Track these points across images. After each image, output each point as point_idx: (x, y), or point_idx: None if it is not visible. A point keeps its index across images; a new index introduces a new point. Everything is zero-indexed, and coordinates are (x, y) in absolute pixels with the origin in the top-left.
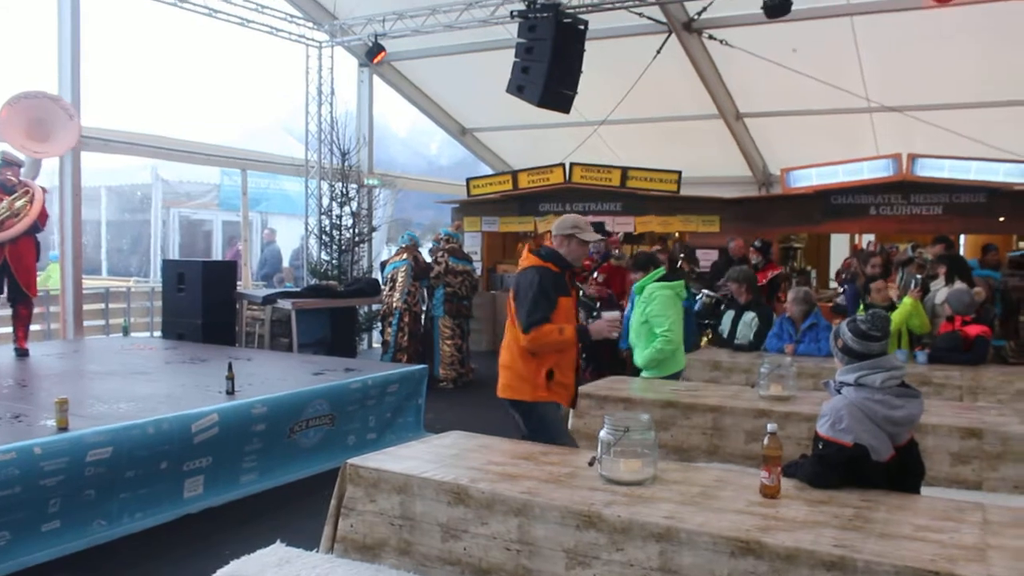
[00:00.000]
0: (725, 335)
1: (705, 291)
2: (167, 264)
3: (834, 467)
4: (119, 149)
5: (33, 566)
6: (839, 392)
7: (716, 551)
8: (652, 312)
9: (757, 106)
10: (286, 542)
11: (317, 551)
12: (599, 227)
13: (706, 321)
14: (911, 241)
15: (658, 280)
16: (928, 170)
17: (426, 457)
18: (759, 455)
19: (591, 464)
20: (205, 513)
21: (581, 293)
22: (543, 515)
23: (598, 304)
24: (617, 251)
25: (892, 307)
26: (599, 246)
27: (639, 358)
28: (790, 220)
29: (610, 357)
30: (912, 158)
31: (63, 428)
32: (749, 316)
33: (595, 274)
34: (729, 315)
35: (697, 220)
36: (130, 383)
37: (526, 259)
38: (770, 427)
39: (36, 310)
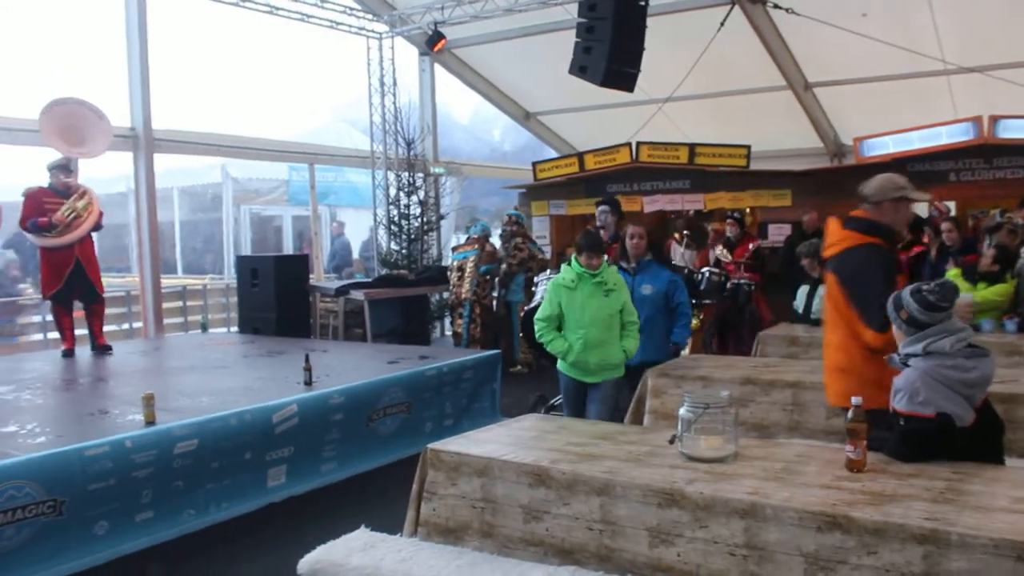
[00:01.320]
0: (800, 311)
1: (710, 268)
2: (241, 260)
3: (921, 442)
4: (190, 149)
5: (130, 554)
6: (906, 365)
7: (802, 526)
8: (627, 300)
9: (827, 75)
10: (370, 527)
11: (401, 535)
12: (611, 201)
13: (705, 301)
14: (996, 207)
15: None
16: (1011, 131)
17: (506, 440)
18: (841, 430)
19: (671, 442)
20: (288, 502)
21: None
22: (625, 494)
23: None
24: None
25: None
26: (606, 222)
27: (616, 351)
28: None
29: None
30: (994, 120)
31: (151, 422)
32: (824, 290)
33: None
34: (803, 290)
35: (768, 194)
36: (211, 377)
37: (844, 236)
38: (854, 400)
39: (119, 310)
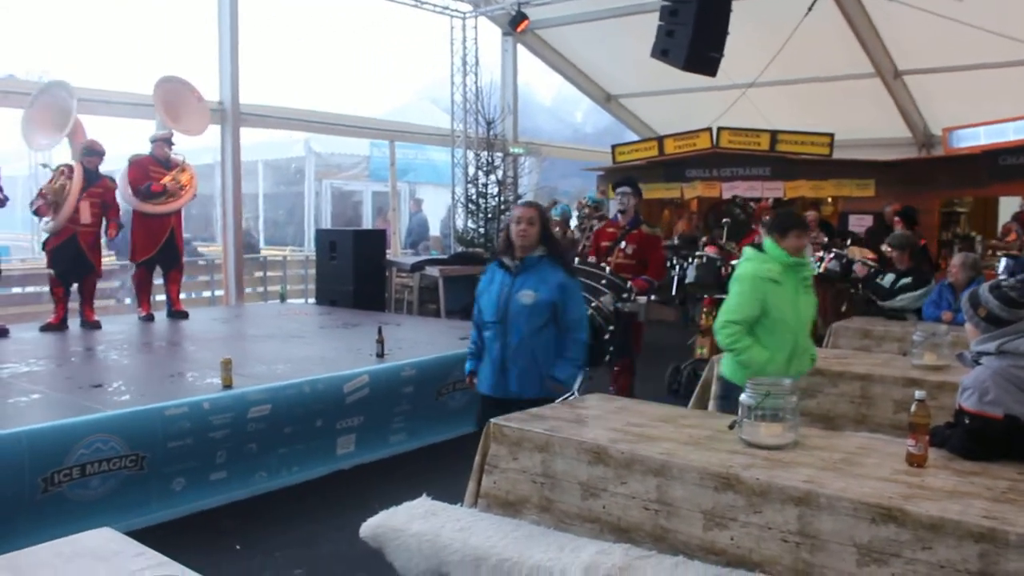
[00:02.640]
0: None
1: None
2: (320, 234)
3: (986, 442)
4: (275, 124)
5: (204, 511)
6: (977, 363)
7: (856, 517)
8: None
9: (917, 62)
10: (432, 496)
11: (461, 505)
12: (631, 182)
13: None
14: None
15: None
16: None
17: (567, 418)
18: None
19: (731, 427)
20: (356, 469)
21: (608, 270)
22: (681, 476)
23: (629, 286)
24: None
25: None
26: (628, 206)
27: (807, 360)
28: (953, 183)
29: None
30: None
31: (228, 386)
32: (906, 282)
33: (623, 244)
34: (888, 279)
35: (851, 184)
36: (287, 346)
37: None
38: (918, 394)
39: (203, 278)
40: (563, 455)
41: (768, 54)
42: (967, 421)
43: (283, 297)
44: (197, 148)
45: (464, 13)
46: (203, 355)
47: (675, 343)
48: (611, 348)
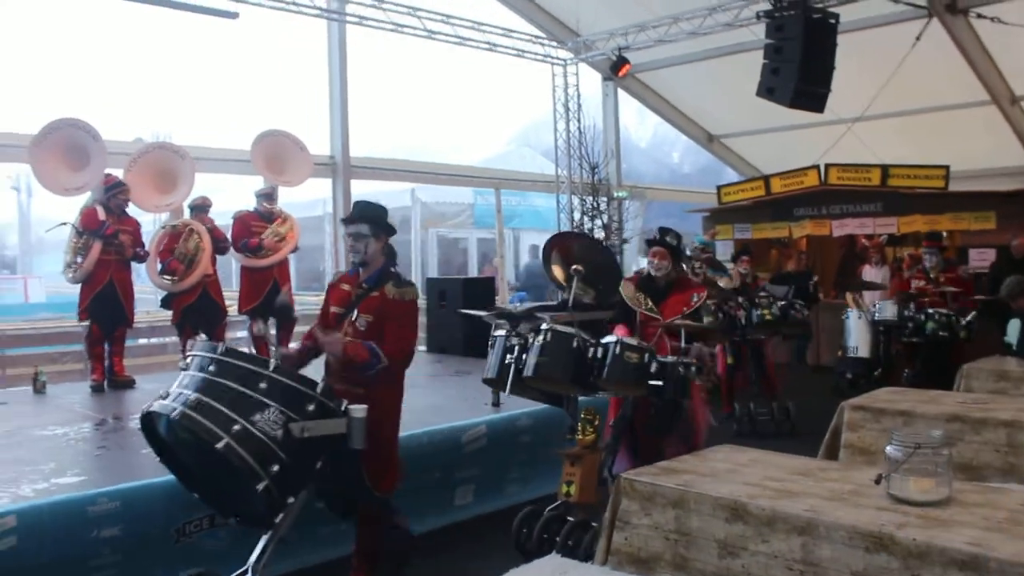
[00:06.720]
0: (1014, 345)
1: (624, 340)
2: (430, 282)
3: None
4: (383, 176)
5: (315, 565)
6: None
7: None
8: None
9: None
10: (560, 553)
11: (592, 563)
12: (366, 214)
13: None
14: None
15: None
16: None
17: (700, 471)
18: None
19: (877, 482)
20: (475, 520)
21: (273, 365)
22: (828, 535)
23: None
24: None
25: None
26: (365, 253)
27: None
28: None
29: None
30: None
31: None
32: None
33: (354, 315)
34: (1014, 324)
35: (969, 217)
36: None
37: None
38: None
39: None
40: (698, 511)
41: (874, 86)
42: None
43: None
44: (305, 201)
45: (565, 60)
46: None
47: None
48: (284, 499)
